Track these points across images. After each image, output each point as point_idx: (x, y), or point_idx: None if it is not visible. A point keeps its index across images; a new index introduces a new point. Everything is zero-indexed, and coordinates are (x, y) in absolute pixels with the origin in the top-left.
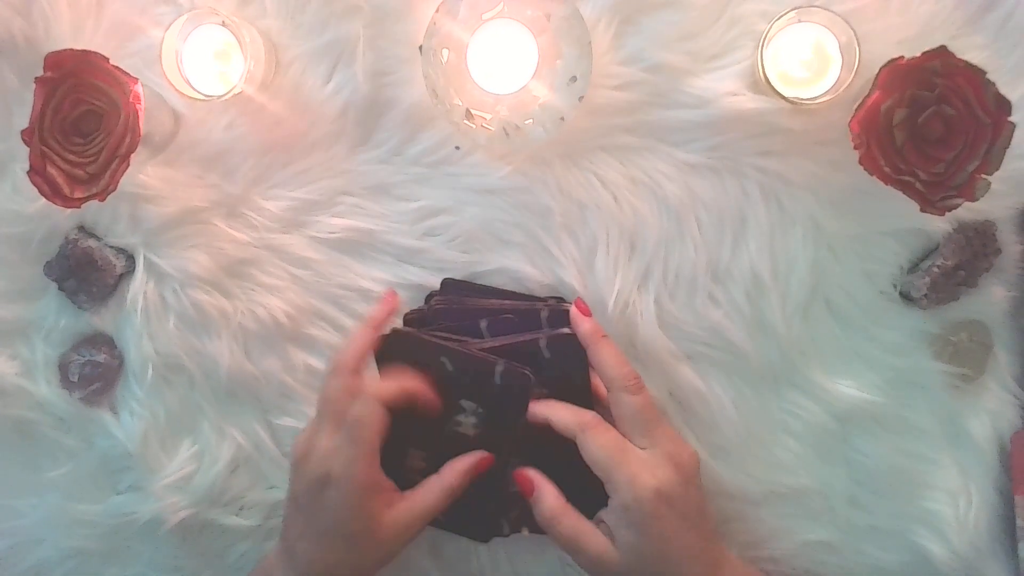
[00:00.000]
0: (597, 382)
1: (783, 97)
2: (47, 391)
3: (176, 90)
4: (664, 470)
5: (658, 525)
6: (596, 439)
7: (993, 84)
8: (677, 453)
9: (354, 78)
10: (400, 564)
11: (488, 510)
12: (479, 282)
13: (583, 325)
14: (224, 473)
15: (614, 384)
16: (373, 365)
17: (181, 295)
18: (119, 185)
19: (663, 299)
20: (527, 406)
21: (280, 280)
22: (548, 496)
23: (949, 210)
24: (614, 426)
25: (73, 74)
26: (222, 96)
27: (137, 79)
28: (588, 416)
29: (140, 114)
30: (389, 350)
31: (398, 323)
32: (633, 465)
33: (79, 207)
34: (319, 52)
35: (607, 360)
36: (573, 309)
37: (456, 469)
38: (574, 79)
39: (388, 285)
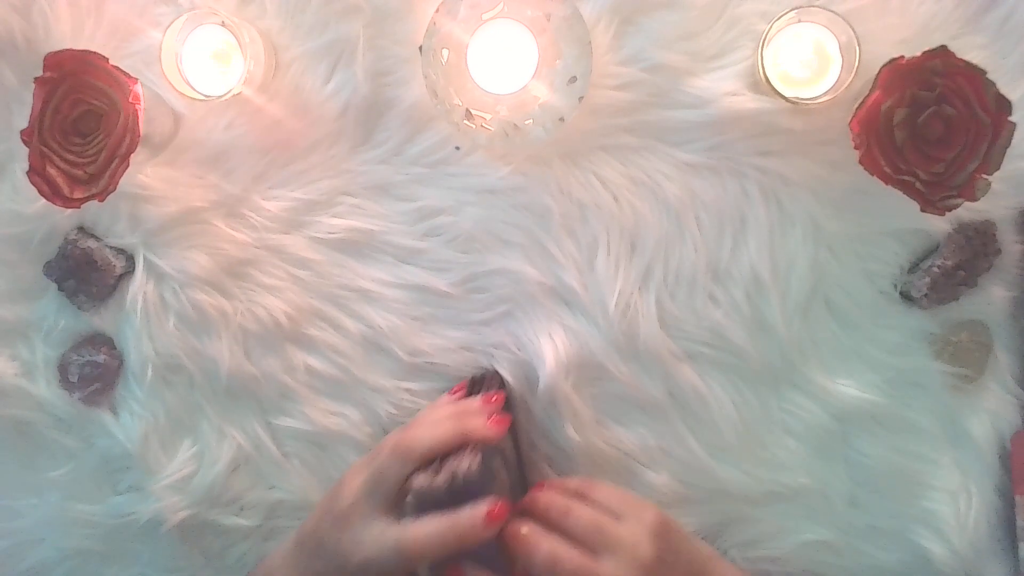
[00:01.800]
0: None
1: (783, 97)
2: (47, 391)
3: (176, 90)
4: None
5: None
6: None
7: (993, 84)
8: (637, 542)
9: (354, 78)
10: None
11: None
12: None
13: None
14: (224, 473)
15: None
16: None
17: (181, 295)
18: (119, 185)
19: (663, 299)
20: None
21: (280, 280)
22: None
23: (949, 210)
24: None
25: (73, 74)
26: (222, 96)
27: (137, 79)
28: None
29: (140, 114)
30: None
31: None
32: None
33: (79, 207)
34: (319, 52)
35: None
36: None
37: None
38: (574, 79)
39: (388, 285)
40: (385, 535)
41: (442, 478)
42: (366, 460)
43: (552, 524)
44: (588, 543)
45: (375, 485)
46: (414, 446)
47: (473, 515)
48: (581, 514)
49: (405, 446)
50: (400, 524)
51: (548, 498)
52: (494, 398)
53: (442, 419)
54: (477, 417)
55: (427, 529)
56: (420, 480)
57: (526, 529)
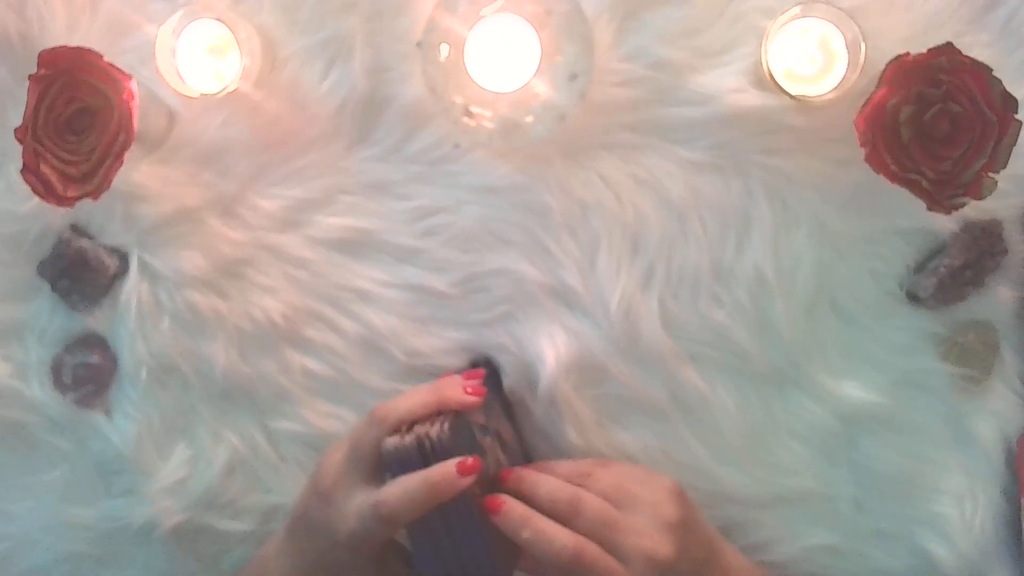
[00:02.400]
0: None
1: (788, 94)
2: (40, 393)
3: (171, 87)
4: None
5: None
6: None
7: (999, 81)
8: (658, 501)
9: (351, 75)
10: None
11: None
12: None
13: (507, 518)
14: (219, 477)
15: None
16: None
17: (175, 296)
18: (113, 184)
19: (666, 299)
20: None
21: (276, 280)
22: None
23: (956, 209)
24: None
25: (67, 71)
26: (217, 93)
27: (131, 76)
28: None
29: (134, 112)
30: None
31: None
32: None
33: (72, 206)
34: (316, 48)
35: (545, 538)
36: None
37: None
38: (575, 76)
39: (386, 285)
40: (364, 502)
41: (411, 438)
42: (345, 439)
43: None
44: (610, 500)
45: (353, 455)
46: (389, 413)
47: (445, 467)
48: (601, 475)
49: (381, 414)
50: (376, 488)
51: (565, 466)
52: (473, 373)
53: (419, 389)
54: (454, 386)
55: (398, 487)
56: (389, 441)
57: (547, 484)
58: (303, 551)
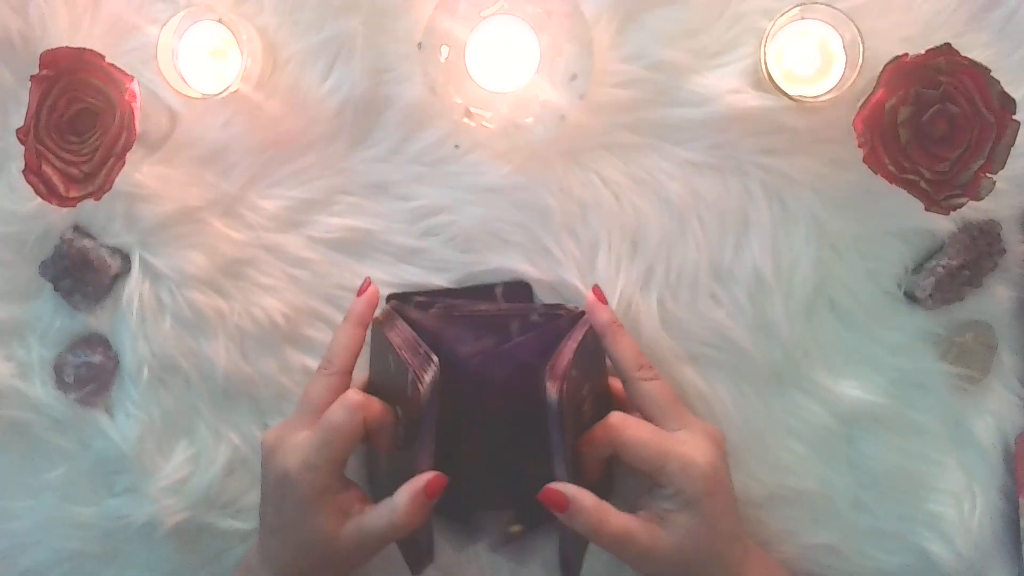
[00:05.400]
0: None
1: (786, 95)
2: (42, 392)
3: (172, 88)
4: (708, 448)
5: (711, 503)
6: (635, 435)
7: (997, 82)
8: (709, 430)
9: (352, 76)
10: (394, 568)
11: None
12: (478, 282)
13: (602, 314)
14: (220, 476)
15: (632, 375)
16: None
17: (177, 295)
18: (115, 184)
19: (665, 299)
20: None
21: (277, 280)
22: (586, 503)
23: (954, 209)
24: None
25: (69, 72)
26: (219, 94)
27: (133, 77)
28: (614, 417)
29: (136, 112)
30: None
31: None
32: (680, 448)
33: (74, 206)
34: (317, 49)
35: (625, 351)
36: (590, 296)
37: (405, 492)
38: (575, 77)
39: (386, 285)
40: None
41: None
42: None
43: None
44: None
45: (305, 403)
46: (330, 357)
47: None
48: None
49: (325, 362)
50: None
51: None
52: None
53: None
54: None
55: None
56: None
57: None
58: (272, 515)
